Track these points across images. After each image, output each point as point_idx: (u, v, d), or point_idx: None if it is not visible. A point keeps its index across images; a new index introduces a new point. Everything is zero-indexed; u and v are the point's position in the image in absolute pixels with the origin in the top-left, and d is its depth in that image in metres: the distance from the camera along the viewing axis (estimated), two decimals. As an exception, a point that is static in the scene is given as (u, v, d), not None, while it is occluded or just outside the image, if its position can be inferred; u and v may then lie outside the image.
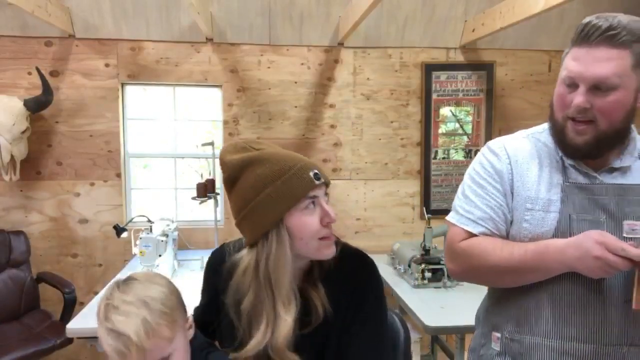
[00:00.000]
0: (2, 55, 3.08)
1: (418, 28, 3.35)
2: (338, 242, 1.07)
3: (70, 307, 2.80)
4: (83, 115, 3.17)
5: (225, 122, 3.32)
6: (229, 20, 3.18)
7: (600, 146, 1.07)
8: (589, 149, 1.07)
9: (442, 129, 3.48)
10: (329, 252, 1.01)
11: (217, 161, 3.49)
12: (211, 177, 3.04)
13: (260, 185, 0.96)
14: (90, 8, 3.04)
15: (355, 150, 3.43)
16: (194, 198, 3.11)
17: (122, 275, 2.70)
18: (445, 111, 3.47)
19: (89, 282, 3.23)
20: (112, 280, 1.02)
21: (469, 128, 3.51)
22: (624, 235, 1.06)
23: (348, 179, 3.44)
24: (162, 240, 2.48)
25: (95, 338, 2.00)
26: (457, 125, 3.49)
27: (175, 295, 0.99)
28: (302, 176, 0.96)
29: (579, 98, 1.03)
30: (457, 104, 3.49)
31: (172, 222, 2.83)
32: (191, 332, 1.05)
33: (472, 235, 1.18)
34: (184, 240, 3.17)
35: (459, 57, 3.47)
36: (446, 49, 3.45)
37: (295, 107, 3.36)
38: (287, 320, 0.97)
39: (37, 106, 2.94)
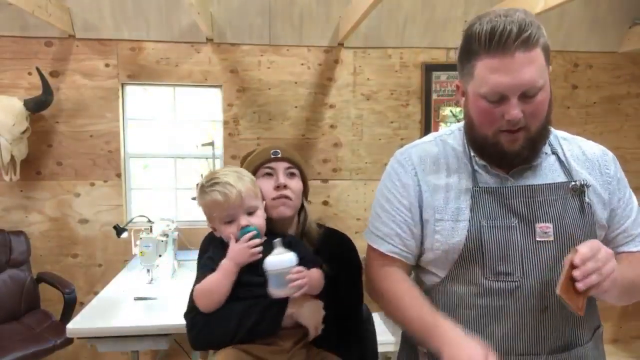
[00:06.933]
0: (2, 55, 3.08)
1: (418, 28, 3.35)
2: (321, 225, 1.43)
3: (71, 307, 2.80)
4: (83, 115, 3.17)
5: (225, 122, 3.32)
6: (229, 20, 3.18)
7: (536, 147, 1.05)
8: (527, 153, 1.04)
9: (442, 128, 3.47)
10: (279, 211, 1.31)
11: (217, 161, 3.50)
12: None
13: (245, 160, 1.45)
14: (90, 8, 3.05)
15: (355, 150, 3.43)
16: (194, 198, 3.10)
17: (122, 275, 2.72)
18: (445, 111, 3.47)
19: (89, 282, 3.23)
20: None
21: (469, 128, 3.51)
22: (537, 239, 1.04)
23: (348, 179, 3.44)
24: (162, 241, 2.48)
25: (95, 338, 2.00)
26: (457, 125, 3.50)
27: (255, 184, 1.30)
28: (263, 153, 1.36)
29: (514, 111, 0.97)
30: (457, 104, 3.48)
31: (172, 222, 2.83)
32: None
33: (382, 254, 1.15)
34: (184, 241, 3.17)
35: (459, 57, 3.46)
36: (446, 49, 3.45)
37: (295, 107, 3.36)
38: None
39: (37, 106, 2.94)
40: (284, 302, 1.21)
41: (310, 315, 1.23)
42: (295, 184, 1.34)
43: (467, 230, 1.05)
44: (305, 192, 1.40)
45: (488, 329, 1.06)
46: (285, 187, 1.31)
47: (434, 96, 3.45)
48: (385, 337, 2.61)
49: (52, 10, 2.79)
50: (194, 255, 3.23)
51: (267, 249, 1.21)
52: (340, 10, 3.18)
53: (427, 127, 3.43)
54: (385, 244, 1.14)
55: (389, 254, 1.14)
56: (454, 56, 3.46)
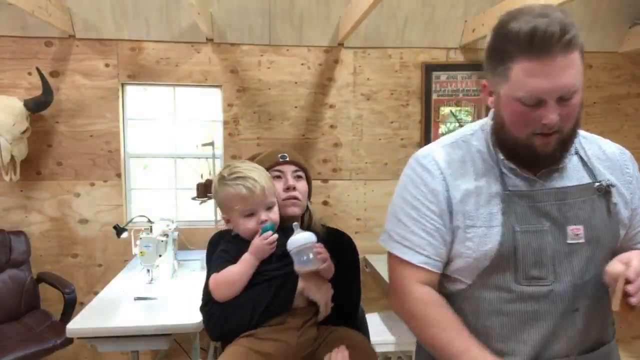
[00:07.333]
0: (2, 55, 3.08)
1: (418, 28, 3.35)
2: (323, 225, 1.52)
3: (71, 307, 2.80)
4: (83, 115, 3.17)
5: (226, 123, 3.32)
6: (229, 20, 3.18)
7: (567, 148, 1.04)
8: (559, 155, 1.03)
9: (442, 129, 3.48)
10: (289, 211, 1.41)
11: (217, 161, 3.50)
12: (211, 177, 3.04)
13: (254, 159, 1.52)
14: (90, 8, 3.04)
15: (355, 150, 3.43)
16: (194, 198, 3.11)
17: (122, 275, 2.72)
18: (445, 111, 3.47)
19: (89, 282, 3.23)
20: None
21: (469, 128, 3.51)
22: (568, 241, 1.03)
23: (348, 179, 3.44)
24: (162, 241, 2.48)
25: (95, 338, 2.00)
26: (457, 125, 3.49)
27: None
28: (271, 156, 1.46)
29: (552, 116, 0.94)
30: (457, 104, 3.49)
31: (172, 222, 2.83)
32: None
33: (412, 265, 1.08)
34: (184, 241, 3.17)
35: (459, 57, 3.47)
36: (446, 49, 3.45)
37: (295, 107, 3.36)
38: None
39: (37, 106, 2.94)
40: (295, 279, 1.29)
41: (321, 292, 1.31)
42: (302, 185, 1.46)
43: (501, 235, 1.02)
44: (309, 192, 1.50)
45: (521, 334, 1.04)
46: (294, 188, 1.42)
47: (434, 96, 3.45)
48: (385, 336, 2.60)
49: (52, 10, 2.79)
50: (194, 255, 3.25)
51: (280, 240, 1.31)
52: (340, 10, 3.18)
53: (427, 127, 3.43)
54: (418, 255, 1.08)
55: (421, 265, 1.08)
56: (453, 56, 3.46)
